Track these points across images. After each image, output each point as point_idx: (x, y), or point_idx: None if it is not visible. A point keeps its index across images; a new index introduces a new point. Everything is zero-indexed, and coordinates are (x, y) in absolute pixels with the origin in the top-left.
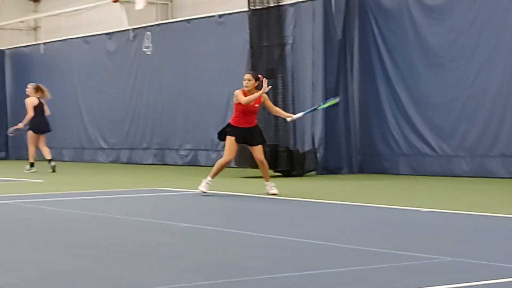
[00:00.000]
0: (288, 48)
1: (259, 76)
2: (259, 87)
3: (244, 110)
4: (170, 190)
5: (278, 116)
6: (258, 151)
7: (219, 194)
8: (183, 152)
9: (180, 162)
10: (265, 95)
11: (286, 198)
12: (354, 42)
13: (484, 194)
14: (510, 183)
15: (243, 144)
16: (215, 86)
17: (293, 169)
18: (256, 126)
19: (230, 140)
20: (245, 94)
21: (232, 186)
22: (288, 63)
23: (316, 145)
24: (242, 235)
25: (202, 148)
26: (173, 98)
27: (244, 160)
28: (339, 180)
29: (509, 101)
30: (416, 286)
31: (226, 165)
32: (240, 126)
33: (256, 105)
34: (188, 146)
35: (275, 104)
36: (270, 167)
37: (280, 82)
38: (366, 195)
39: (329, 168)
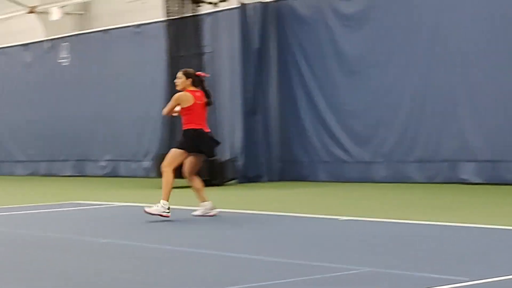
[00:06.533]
0: (206, 57)
1: (198, 73)
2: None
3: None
4: (90, 204)
5: None
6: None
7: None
8: (102, 163)
9: (100, 173)
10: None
11: None
12: (272, 51)
13: (402, 199)
14: (426, 187)
15: None
16: (133, 96)
17: (213, 179)
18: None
19: None
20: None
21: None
22: (207, 73)
23: (236, 154)
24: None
25: (123, 159)
26: (91, 109)
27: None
28: (259, 188)
29: (425, 107)
30: None
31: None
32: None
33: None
34: (108, 157)
35: None
36: None
37: None
38: (285, 204)
39: (249, 176)
